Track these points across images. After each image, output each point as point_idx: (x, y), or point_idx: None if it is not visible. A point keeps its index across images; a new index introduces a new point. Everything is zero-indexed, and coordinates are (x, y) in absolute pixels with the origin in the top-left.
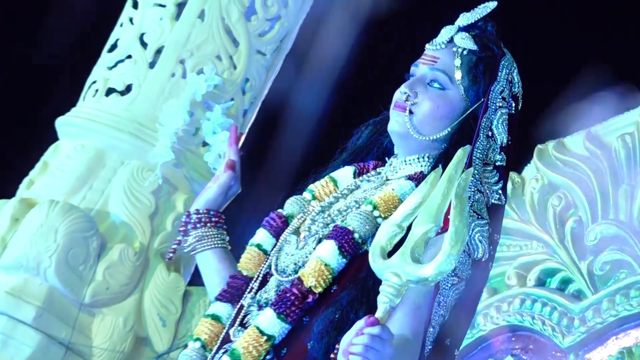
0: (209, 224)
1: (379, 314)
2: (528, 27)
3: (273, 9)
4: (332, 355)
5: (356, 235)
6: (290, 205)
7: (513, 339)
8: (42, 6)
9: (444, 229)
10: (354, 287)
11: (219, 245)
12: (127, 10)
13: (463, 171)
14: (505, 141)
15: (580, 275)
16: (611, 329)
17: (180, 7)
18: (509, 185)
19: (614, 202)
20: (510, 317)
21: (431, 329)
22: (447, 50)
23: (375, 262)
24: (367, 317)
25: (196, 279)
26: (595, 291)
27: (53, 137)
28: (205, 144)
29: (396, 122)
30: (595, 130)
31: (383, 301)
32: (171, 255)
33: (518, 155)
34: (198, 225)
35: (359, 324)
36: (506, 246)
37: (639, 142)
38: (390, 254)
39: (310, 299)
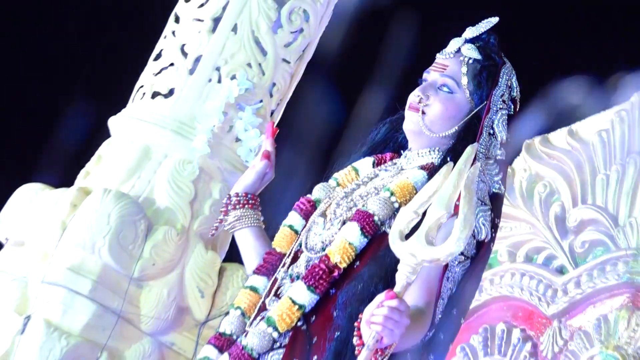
0: (246, 206)
1: (397, 288)
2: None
3: (296, 23)
4: (355, 324)
5: (376, 218)
6: (318, 191)
7: (504, 308)
8: (101, 26)
9: (454, 215)
10: (374, 263)
11: (255, 224)
12: (170, 24)
13: (471, 166)
14: (505, 138)
15: (563, 253)
16: (589, 299)
17: (216, 21)
18: None
19: (591, 190)
20: (502, 289)
21: (441, 301)
22: (455, 59)
23: (395, 243)
24: (387, 291)
25: (230, 257)
26: (576, 266)
27: (106, 134)
28: (237, 140)
29: (411, 122)
30: (575, 127)
31: (401, 277)
32: (213, 232)
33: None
34: (237, 206)
35: (380, 297)
36: (499, 228)
37: (613, 138)
38: (407, 236)
39: (336, 273)
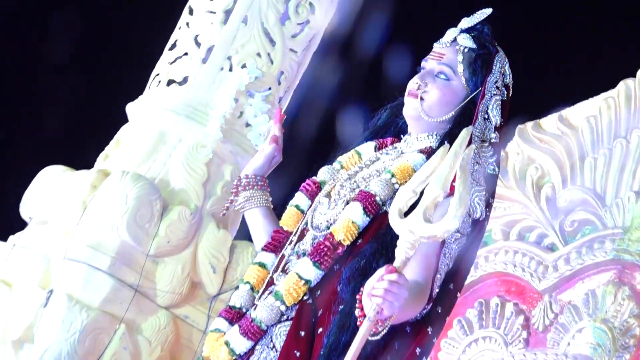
0: (255, 187)
1: (396, 263)
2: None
3: (303, 15)
4: (357, 296)
5: (377, 198)
6: (323, 173)
7: (498, 283)
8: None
9: (450, 194)
10: (376, 240)
11: (264, 204)
12: (185, 16)
13: (466, 148)
14: (499, 122)
15: (553, 231)
16: (578, 275)
17: (228, 13)
18: None
19: (580, 172)
20: (496, 265)
21: (438, 276)
22: (451, 48)
23: (394, 220)
24: (386, 265)
25: (240, 235)
26: (566, 244)
27: (124, 119)
28: (247, 125)
29: (410, 107)
30: (565, 113)
31: (400, 253)
32: (225, 211)
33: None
34: (247, 187)
35: (380, 271)
36: (493, 208)
37: (601, 123)
38: (406, 214)
39: (339, 250)
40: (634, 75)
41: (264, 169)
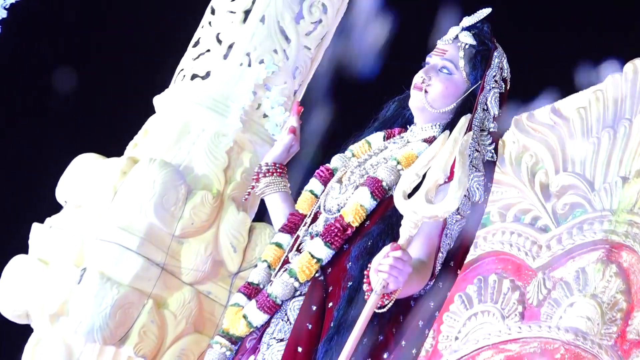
0: (275, 174)
1: (401, 241)
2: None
3: (316, 15)
4: (365, 272)
5: (384, 183)
6: (335, 161)
7: (496, 261)
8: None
9: (450, 178)
10: (382, 222)
11: (282, 190)
12: (207, 16)
13: (465, 134)
14: (497, 113)
15: (546, 214)
16: (569, 254)
17: (247, 13)
18: None
19: (571, 159)
20: (494, 245)
21: (440, 254)
22: (453, 45)
23: (398, 202)
24: (392, 243)
25: (258, 217)
26: (558, 225)
27: (152, 111)
28: (265, 116)
29: (415, 99)
30: (557, 105)
31: (404, 232)
32: (247, 196)
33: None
34: (267, 174)
35: (386, 249)
36: (491, 192)
37: (590, 114)
38: (409, 196)
39: (349, 231)
40: (621, 70)
41: (282, 157)
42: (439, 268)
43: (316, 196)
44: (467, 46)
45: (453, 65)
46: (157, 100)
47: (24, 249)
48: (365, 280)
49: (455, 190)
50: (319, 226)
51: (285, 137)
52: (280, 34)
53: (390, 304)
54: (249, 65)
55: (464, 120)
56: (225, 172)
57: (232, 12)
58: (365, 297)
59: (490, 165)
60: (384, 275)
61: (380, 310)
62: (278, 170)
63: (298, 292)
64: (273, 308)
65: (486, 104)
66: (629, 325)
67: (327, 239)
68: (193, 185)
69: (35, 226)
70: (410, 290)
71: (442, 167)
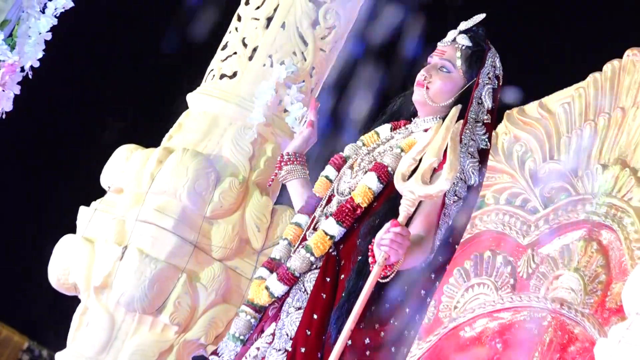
0: (295, 162)
1: (400, 218)
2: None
3: (330, 21)
4: (369, 247)
5: (389, 169)
6: (348, 149)
7: (490, 239)
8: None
9: (443, 162)
10: (388, 203)
11: (302, 176)
12: (234, 22)
13: (456, 123)
14: (490, 106)
15: (535, 197)
16: (555, 233)
17: (269, 20)
18: None
19: (557, 149)
20: (488, 224)
21: (439, 232)
22: (451, 46)
23: (398, 183)
24: (392, 220)
25: (279, 200)
26: (545, 207)
27: (185, 107)
28: (285, 111)
29: (418, 94)
30: (544, 100)
31: (402, 210)
32: (271, 182)
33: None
34: (288, 163)
35: (387, 225)
36: (485, 177)
37: (573, 108)
38: (407, 178)
39: (358, 211)
40: (601, 70)
41: (302, 148)
42: (438, 243)
43: (331, 181)
44: (463, 47)
45: (451, 64)
46: (190, 98)
47: (72, 229)
48: (369, 253)
49: (447, 172)
50: (333, 207)
51: (304, 130)
52: (298, 38)
53: (392, 275)
54: (271, 66)
55: (455, 111)
56: (250, 160)
57: (256, 19)
58: (370, 268)
59: (484, 153)
60: (385, 248)
61: (383, 280)
62: (298, 159)
63: (314, 266)
64: (292, 280)
65: (480, 99)
66: (608, 296)
67: (339, 218)
68: (222, 172)
69: (82, 209)
70: (411, 263)
71: (435, 152)
